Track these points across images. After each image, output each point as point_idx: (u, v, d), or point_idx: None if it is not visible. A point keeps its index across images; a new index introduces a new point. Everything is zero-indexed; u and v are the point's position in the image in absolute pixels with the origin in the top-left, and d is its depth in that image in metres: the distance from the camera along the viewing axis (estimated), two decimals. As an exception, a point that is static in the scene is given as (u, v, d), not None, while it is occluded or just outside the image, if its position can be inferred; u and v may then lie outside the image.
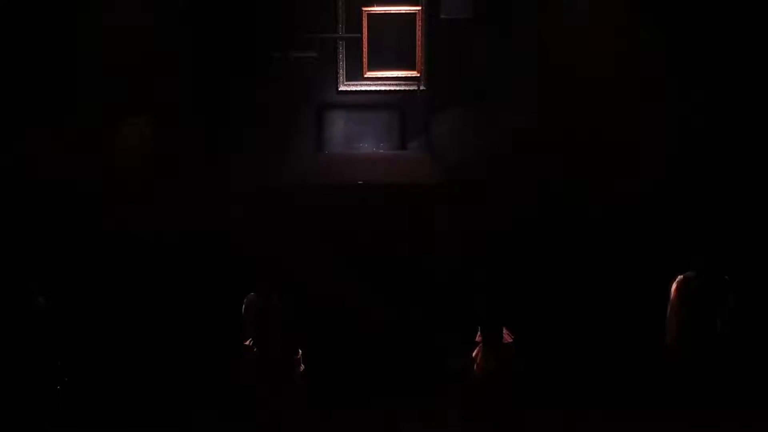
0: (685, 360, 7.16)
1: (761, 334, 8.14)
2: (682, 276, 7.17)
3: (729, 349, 7.15)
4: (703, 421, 7.28)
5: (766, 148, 8.93)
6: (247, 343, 7.27)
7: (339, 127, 9.90)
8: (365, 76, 9.81)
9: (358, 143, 9.91)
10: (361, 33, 9.70)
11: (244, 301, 7.31)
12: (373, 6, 9.67)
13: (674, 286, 7.15)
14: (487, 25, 9.48)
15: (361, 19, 9.67)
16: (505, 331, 7.31)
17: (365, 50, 9.74)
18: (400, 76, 9.82)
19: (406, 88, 9.84)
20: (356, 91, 9.85)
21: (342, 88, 9.86)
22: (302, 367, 7.32)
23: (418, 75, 9.80)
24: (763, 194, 8.83)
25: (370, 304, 8.82)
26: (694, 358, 7.12)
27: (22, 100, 8.87)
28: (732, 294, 7.17)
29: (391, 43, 9.74)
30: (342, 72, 9.83)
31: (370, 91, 9.84)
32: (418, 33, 9.74)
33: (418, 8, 9.69)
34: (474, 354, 7.35)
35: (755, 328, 7.96)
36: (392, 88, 9.84)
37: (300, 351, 7.34)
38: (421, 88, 9.81)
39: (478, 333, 7.38)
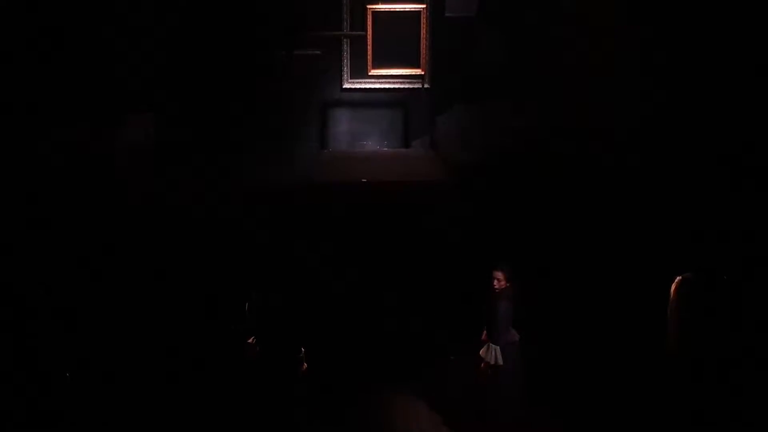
0: (686, 360, 7.19)
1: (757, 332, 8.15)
2: (680, 277, 7.20)
3: (727, 350, 7.17)
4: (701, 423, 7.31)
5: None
6: (250, 341, 7.34)
7: (343, 124, 9.96)
8: (369, 73, 9.86)
9: (362, 141, 9.97)
10: (366, 31, 9.75)
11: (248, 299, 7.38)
12: (378, 4, 9.72)
13: (673, 287, 7.19)
14: (490, 23, 9.51)
15: (366, 17, 9.73)
16: (511, 329, 7.40)
17: (370, 48, 9.79)
18: (404, 74, 9.87)
19: (410, 86, 9.90)
20: (360, 88, 9.91)
21: (346, 85, 9.90)
22: (305, 365, 7.39)
23: (422, 73, 9.84)
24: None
25: (373, 300, 8.86)
26: (694, 359, 7.15)
27: (21, 101, 8.91)
28: (730, 293, 7.19)
29: (395, 41, 9.79)
30: (346, 70, 9.87)
31: (375, 88, 9.90)
32: (423, 31, 9.78)
33: (423, 6, 9.72)
34: (480, 352, 7.43)
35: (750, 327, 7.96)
36: (396, 86, 9.90)
37: (303, 349, 7.41)
38: (425, 85, 9.85)
39: (484, 331, 7.46)
